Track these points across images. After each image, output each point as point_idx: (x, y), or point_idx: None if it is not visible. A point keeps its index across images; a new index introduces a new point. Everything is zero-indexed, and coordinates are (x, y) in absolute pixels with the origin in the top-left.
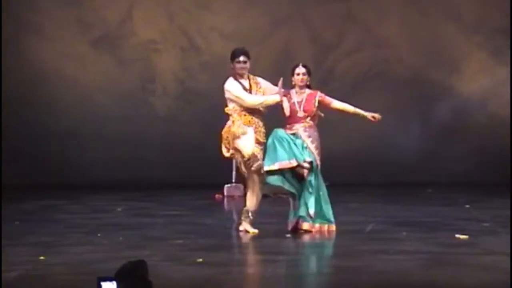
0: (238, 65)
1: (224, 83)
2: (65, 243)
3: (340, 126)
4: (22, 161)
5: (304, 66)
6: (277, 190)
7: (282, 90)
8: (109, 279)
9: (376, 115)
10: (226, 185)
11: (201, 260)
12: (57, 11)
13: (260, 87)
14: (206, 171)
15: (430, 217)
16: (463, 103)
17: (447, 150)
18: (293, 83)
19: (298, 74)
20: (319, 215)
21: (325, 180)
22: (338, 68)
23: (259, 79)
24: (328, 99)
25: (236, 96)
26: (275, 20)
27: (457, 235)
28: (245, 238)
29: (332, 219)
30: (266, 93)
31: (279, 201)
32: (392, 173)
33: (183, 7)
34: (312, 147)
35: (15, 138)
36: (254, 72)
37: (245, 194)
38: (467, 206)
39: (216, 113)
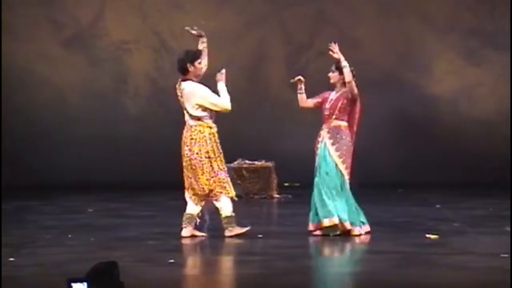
0: (199, 66)
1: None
2: (35, 244)
3: (315, 125)
4: None
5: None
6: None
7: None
8: (80, 280)
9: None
10: None
11: (172, 261)
12: (28, 10)
13: None
14: (178, 171)
15: (401, 217)
16: (434, 104)
17: (417, 150)
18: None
19: (328, 72)
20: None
21: (297, 180)
22: (310, 68)
23: None
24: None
25: (213, 103)
26: (249, 21)
27: (427, 235)
28: (218, 239)
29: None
30: None
31: (252, 203)
32: (362, 174)
33: (156, 7)
34: (335, 155)
35: None
36: (227, 72)
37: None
38: (438, 206)
39: None
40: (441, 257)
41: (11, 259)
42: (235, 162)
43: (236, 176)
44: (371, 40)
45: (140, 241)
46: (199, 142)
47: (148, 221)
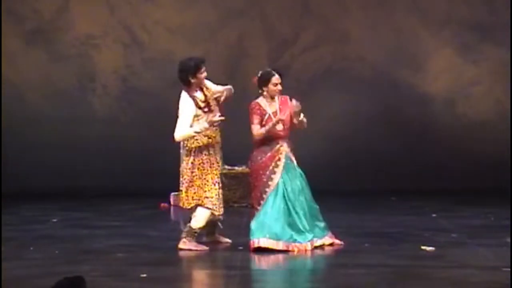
0: (202, 76)
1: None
2: None
3: (299, 131)
4: None
5: (279, 73)
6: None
7: None
8: None
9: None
10: (172, 193)
11: (144, 275)
12: None
13: (213, 95)
14: (150, 177)
15: (393, 228)
16: (428, 104)
17: (411, 154)
18: (265, 92)
19: (275, 85)
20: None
21: None
22: (294, 65)
23: (207, 83)
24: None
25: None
26: (227, 13)
27: (423, 247)
28: (194, 252)
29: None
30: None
31: (231, 212)
32: (349, 180)
33: None
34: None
35: None
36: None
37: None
38: (434, 215)
39: (161, 114)
40: (438, 271)
41: None
42: None
43: None
44: (360, 34)
45: (109, 254)
46: None
47: (117, 231)
